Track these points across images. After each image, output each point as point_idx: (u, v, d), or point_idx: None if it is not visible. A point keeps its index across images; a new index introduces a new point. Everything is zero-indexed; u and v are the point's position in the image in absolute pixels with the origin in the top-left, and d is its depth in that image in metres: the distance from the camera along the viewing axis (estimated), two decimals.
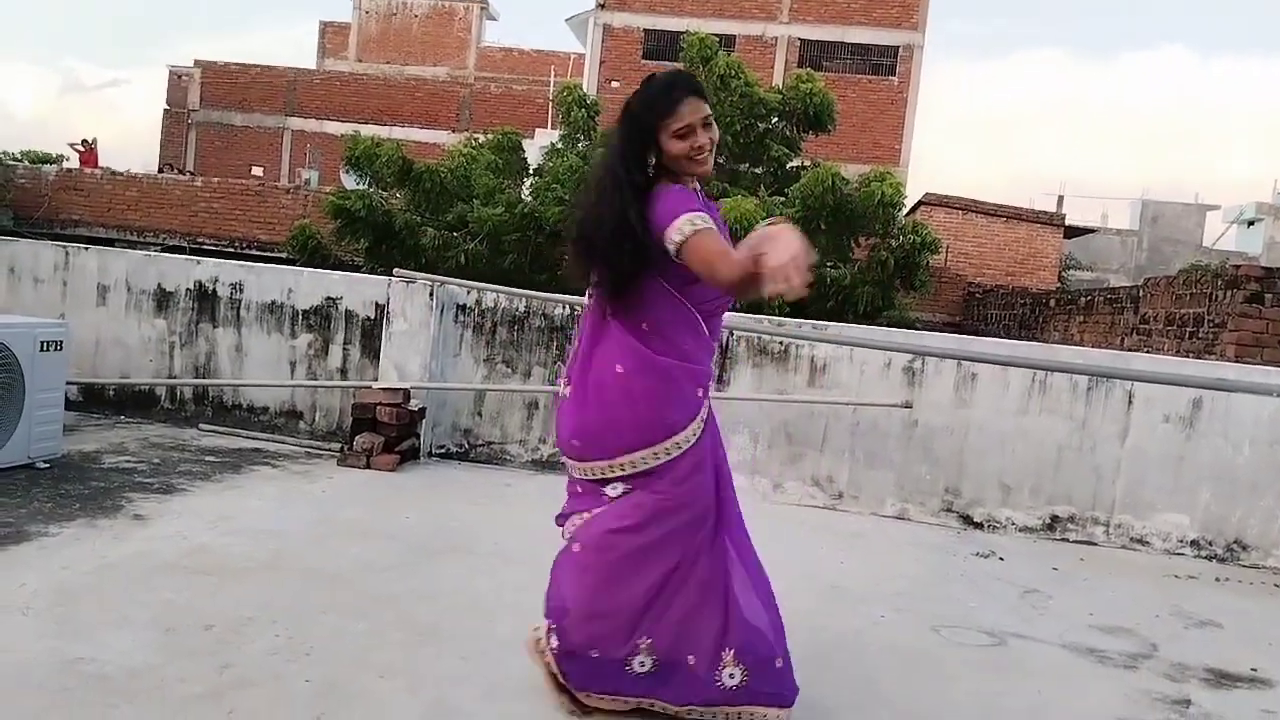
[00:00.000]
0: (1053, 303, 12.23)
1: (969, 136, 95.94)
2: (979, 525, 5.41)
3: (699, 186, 2.45)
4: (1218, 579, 4.83)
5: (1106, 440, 5.31)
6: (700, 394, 2.47)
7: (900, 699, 2.94)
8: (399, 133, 23.07)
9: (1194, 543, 5.23)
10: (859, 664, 3.21)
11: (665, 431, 2.39)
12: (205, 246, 16.96)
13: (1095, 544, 5.29)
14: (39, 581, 3.20)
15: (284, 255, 11.94)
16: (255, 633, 2.95)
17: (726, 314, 2.50)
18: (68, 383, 5.21)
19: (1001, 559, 4.79)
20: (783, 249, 1.92)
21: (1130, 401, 5.28)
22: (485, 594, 3.53)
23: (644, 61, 21.56)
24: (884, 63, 21.85)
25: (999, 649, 3.50)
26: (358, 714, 2.50)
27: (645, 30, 22.23)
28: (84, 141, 21.61)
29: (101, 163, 20.76)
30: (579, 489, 2.58)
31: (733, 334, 5.66)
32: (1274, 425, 5.15)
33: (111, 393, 6.41)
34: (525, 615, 3.33)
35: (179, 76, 29.10)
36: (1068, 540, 5.32)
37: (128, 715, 2.38)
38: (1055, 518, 5.36)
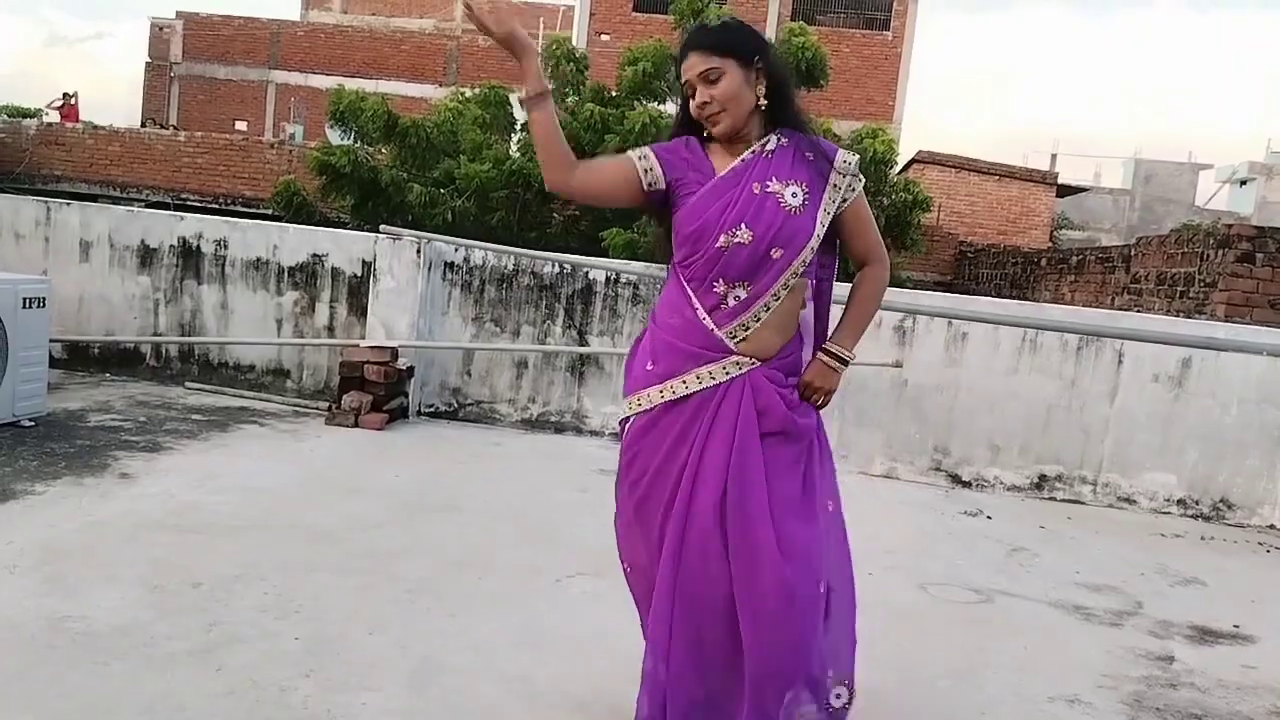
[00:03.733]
0: (1044, 262, 12.20)
1: (963, 93, 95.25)
2: (967, 484, 5.44)
3: (751, 153, 2.16)
4: (1203, 538, 4.88)
5: (1096, 400, 5.32)
6: (649, 366, 2.19)
7: (888, 655, 2.96)
8: (385, 86, 22.70)
9: (1180, 502, 5.27)
10: None
11: (628, 386, 2.28)
12: (189, 202, 16.73)
13: (1082, 503, 5.33)
14: (25, 539, 3.18)
15: (269, 211, 11.79)
16: (244, 590, 2.94)
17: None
18: (51, 340, 5.15)
19: (989, 517, 4.82)
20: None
21: (1120, 361, 5.28)
22: (474, 551, 3.53)
23: (635, 14, 21.19)
24: (878, 16, 21.54)
25: (986, 606, 3.53)
26: (347, 670, 2.50)
27: None
28: (64, 96, 21.20)
29: (83, 117, 20.38)
30: None
31: None
32: (1262, 385, 5.17)
33: (96, 350, 6.34)
34: (513, 572, 3.35)
35: (160, 28, 28.50)
36: (1055, 499, 5.36)
37: (116, 672, 2.38)
38: (1043, 477, 5.39)
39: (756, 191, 2.11)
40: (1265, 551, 4.74)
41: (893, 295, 5.90)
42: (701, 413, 2.13)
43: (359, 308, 6.01)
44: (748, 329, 2.13)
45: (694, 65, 2.14)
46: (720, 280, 2.12)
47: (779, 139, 2.18)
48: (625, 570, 2.30)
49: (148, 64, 28.64)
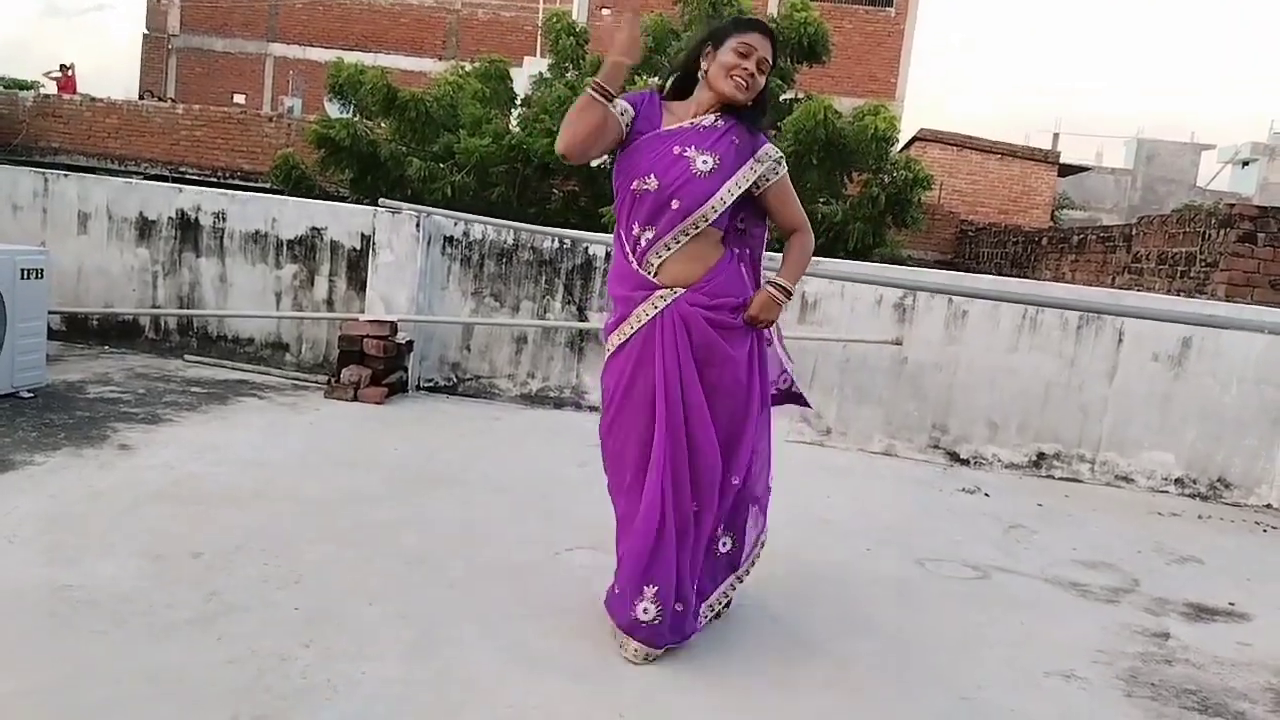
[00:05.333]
0: (1045, 241, 12.17)
1: (965, 71, 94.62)
2: (965, 462, 5.45)
3: (690, 122, 2.64)
4: (1200, 516, 4.90)
5: (1095, 378, 5.32)
6: (611, 318, 2.72)
7: (885, 630, 2.98)
8: (384, 60, 22.48)
9: (1178, 480, 5.29)
10: (845, 596, 3.24)
11: (604, 335, 2.74)
12: (187, 175, 16.64)
13: (1080, 481, 5.34)
14: (26, 509, 3.19)
15: (267, 185, 11.74)
16: (244, 560, 2.95)
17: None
18: (50, 312, 5.14)
19: (987, 495, 4.83)
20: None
21: (1120, 340, 5.28)
22: (474, 523, 3.54)
23: None
24: None
25: (983, 582, 3.54)
26: (347, 640, 2.51)
27: None
28: (61, 67, 21.02)
29: (81, 89, 20.22)
30: None
31: None
32: (1261, 365, 5.17)
33: (95, 322, 6.33)
34: (513, 545, 3.36)
35: (158, 0, 28.25)
36: (1053, 477, 5.37)
37: (116, 640, 2.39)
38: (1041, 455, 5.40)
39: (676, 153, 2.56)
40: (1262, 531, 4.76)
41: (893, 272, 5.90)
42: (649, 342, 2.59)
43: (358, 281, 5.99)
44: (660, 259, 2.59)
45: (764, 49, 2.60)
46: (636, 223, 2.60)
47: (716, 119, 2.62)
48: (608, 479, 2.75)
49: (145, 36, 28.40)
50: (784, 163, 2.68)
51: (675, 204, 2.54)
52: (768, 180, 2.65)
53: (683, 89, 2.71)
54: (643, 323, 2.60)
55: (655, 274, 2.60)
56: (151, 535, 3.08)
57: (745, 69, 2.56)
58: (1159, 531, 4.51)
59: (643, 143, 2.60)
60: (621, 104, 2.59)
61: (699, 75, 2.64)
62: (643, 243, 2.60)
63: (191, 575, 2.81)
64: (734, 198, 2.59)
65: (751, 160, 2.61)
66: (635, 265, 2.62)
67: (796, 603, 3.12)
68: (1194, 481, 5.28)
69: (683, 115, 2.64)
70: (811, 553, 3.64)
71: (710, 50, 2.61)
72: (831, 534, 3.91)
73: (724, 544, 2.77)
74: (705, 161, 2.55)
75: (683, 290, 2.58)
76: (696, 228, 2.57)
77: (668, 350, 2.56)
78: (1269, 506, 5.19)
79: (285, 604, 2.69)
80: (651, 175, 2.55)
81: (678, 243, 2.58)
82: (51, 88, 19.92)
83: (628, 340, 2.62)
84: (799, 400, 3.07)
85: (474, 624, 2.69)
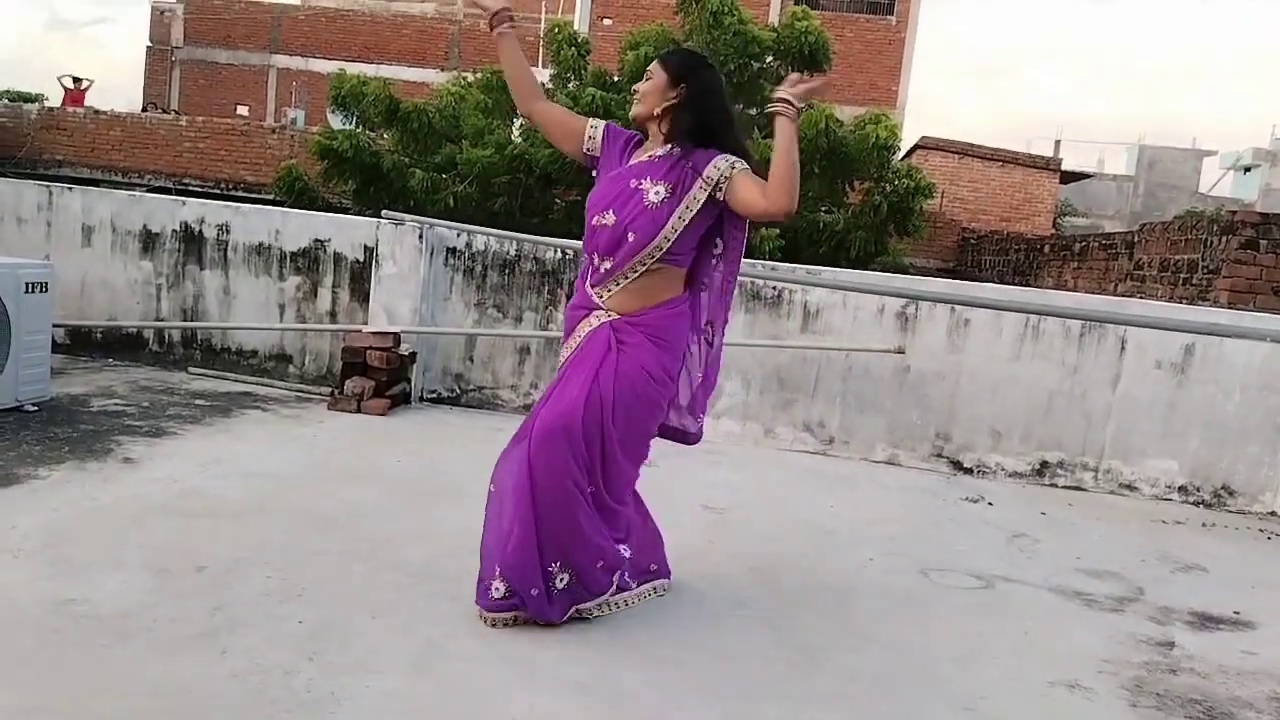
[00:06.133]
0: (1047, 248, 12.17)
1: (967, 79, 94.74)
2: (968, 471, 5.44)
3: (649, 156, 2.79)
4: (1204, 524, 4.88)
5: (1098, 386, 5.32)
6: (566, 328, 2.90)
7: (888, 639, 2.98)
8: (386, 71, 22.61)
9: (1182, 488, 5.28)
10: (848, 605, 3.24)
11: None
12: (191, 187, 16.69)
13: (1084, 489, 5.33)
14: (29, 523, 3.19)
15: (271, 197, 11.77)
16: (248, 574, 2.95)
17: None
18: (54, 325, 5.15)
19: (990, 504, 4.82)
20: None
21: (1123, 347, 5.28)
22: (476, 536, 3.52)
23: None
24: (882, 1, 21.42)
25: (987, 591, 3.54)
26: (351, 654, 2.51)
27: None
28: (75, 80, 21.15)
29: (85, 102, 20.30)
30: None
31: None
32: (1264, 372, 5.17)
33: (99, 335, 6.35)
34: None
35: (161, 12, 28.37)
36: (1056, 486, 5.36)
37: (120, 655, 2.39)
38: (1044, 463, 5.40)
39: (632, 186, 2.70)
40: (1266, 538, 4.75)
41: (895, 280, 5.90)
42: (580, 348, 2.76)
43: (361, 293, 6.00)
44: (610, 291, 2.75)
45: (653, 67, 2.79)
46: (596, 253, 2.76)
47: (671, 149, 2.72)
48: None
49: (149, 48, 28.53)
50: (741, 164, 2.69)
51: (631, 237, 2.68)
52: (723, 185, 2.67)
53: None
54: (582, 336, 2.77)
55: (605, 299, 2.77)
56: (155, 549, 3.08)
57: (633, 90, 2.82)
58: (1163, 540, 4.50)
59: (606, 178, 2.79)
60: (596, 122, 2.87)
61: None
62: (602, 270, 2.77)
63: (195, 589, 2.81)
64: (684, 224, 2.68)
65: (699, 180, 2.68)
66: (589, 288, 2.80)
67: (799, 613, 3.12)
68: (1198, 489, 5.27)
69: (648, 150, 2.79)
70: (813, 562, 3.64)
71: None
72: (834, 543, 3.91)
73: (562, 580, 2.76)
74: (657, 193, 2.67)
75: (618, 315, 2.75)
76: (653, 258, 2.69)
77: (591, 359, 2.71)
78: (1273, 514, 5.18)
79: (289, 617, 2.69)
80: (609, 211, 2.71)
81: (635, 273, 2.72)
82: (61, 93, 19.94)
83: (571, 354, 2.79)
84: (683, 438, 3.04)
85: (477, 637, 2.69)
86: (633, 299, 2.74)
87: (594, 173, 2.88)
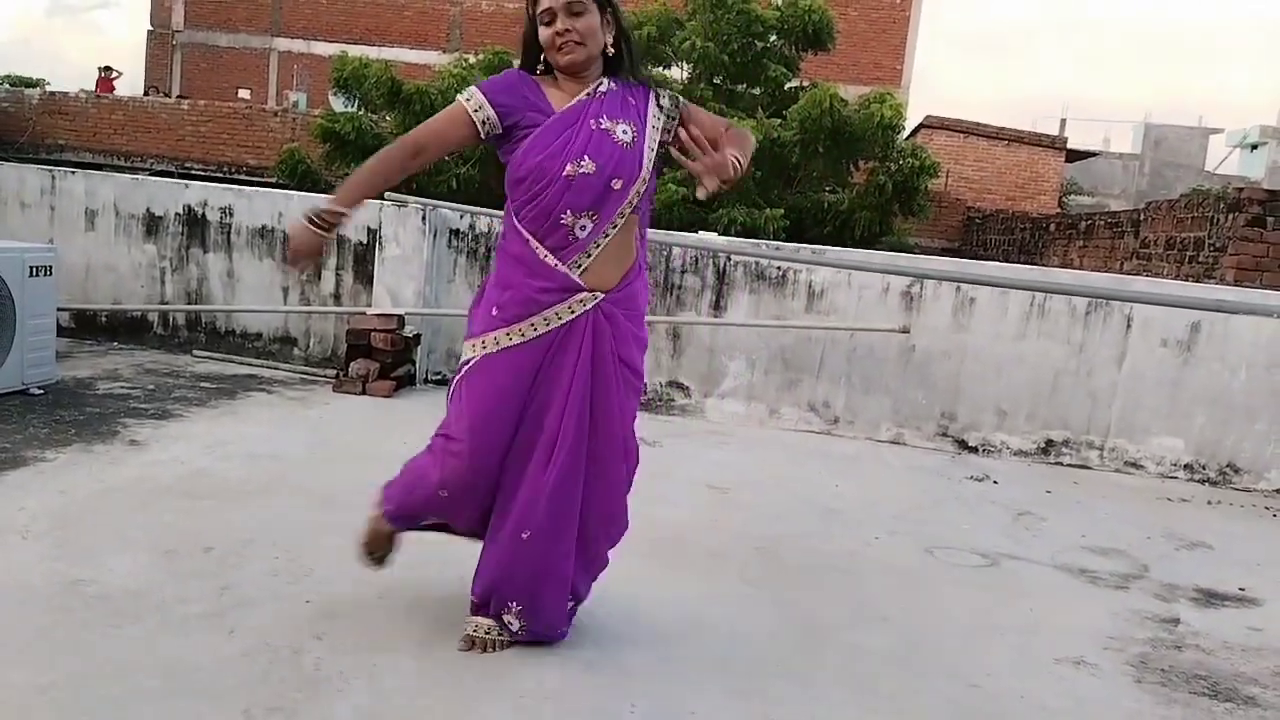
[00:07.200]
0: (1052, 227, 12.11)
1: (972, 57, 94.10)
2: (974, 449, 5.44)
3: (586, 94, 2.34)
4: (1210, 502, 4.88)
5: (1103, 364, 5.31)
6: (494, 313, 2.36)
7: (894, 617, 2.99)
8: (388, 53, 22.47)
9: (1187, 466, 5.27)
10: (854, 584, 3.25)
11: (471, 331, 2.45)
12: (193, 171, 16.68)
13: (1089, 468, 5.33)
14: (38, 505, 3.21)
15: (273, 180, 11.76)
16: (255, 554, 2.97)
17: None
18: (59, 309, 5.16)
19: (995, 482, 4.82)
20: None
21: (1128, 325, 5.26)
22: None
23: None
24: None
25: (992, 569, 3.54)
26: (358, 633, 2.52)
27: None
28: (107, 68, 21.17)
29: (85, 86, 20.28)
30: None
31: (730, 259, 5.61)
32: (1271, 349, 5.15)
33: (104, 319, 6.36)
34: None
35: None
36: (1062, 464, 5.36)
37: (129, 635, 2.40)
38: (1050, 442, 5.39)
39: (594, 127, 2.30)
40: (1272, 516, 4.74)
41: (900, 260, 5.89)
42: (551, 349, 2.34)
43: (365, 275, 6.00)
44: (590, 256, 2.32)
45: (555, 3, 2.29)
46: (569, 211, 2.28)
47: (609, 83, 2.37)
48: (436, 487, 2.55)
49: (150, 32, 28.41)
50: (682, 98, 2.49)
51: (617, 184, 2.30)
52: (672, 119, 2.40)
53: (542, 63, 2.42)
54: (551, 326, 2.33)
55: (581, 273, 2.32)
56: (163, 530, 3.10)
57: (556, 33, 2.29)
58: (1168, 517, 4.50)
59: (547, 126, 2.30)
60: (472, 97, 2.34)
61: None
62: (579, 233, 2.30)
63: (203, 569, 2.83)
64: (652, 160, 2.38)
65: (652, 106, 2.40)
66: (556, 262, 2.31)
67: (806, 591, 3.13)
68: (1203, 467, 5.26)
69: (572, 90, 2.36)
70: (819, 541, 3.64)
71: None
72: (840, 523, 3.91)
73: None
74: (625, 131, 2.33)
75: (602, 295, 2.34)
76: (631, 206, 2.34)
77: (581, 363, 2.34)
78: (1278, 491, 5.17)
79: (297, 597, 2.70)
80: (585, 157, 2.27)
81: (614, 228, 2.33)
82: (76, 83, 19.95)
83: (525, 343, 2.33)
84: None
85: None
86: (610, 267, 2.35)
87: (508, 143, 2.36)
